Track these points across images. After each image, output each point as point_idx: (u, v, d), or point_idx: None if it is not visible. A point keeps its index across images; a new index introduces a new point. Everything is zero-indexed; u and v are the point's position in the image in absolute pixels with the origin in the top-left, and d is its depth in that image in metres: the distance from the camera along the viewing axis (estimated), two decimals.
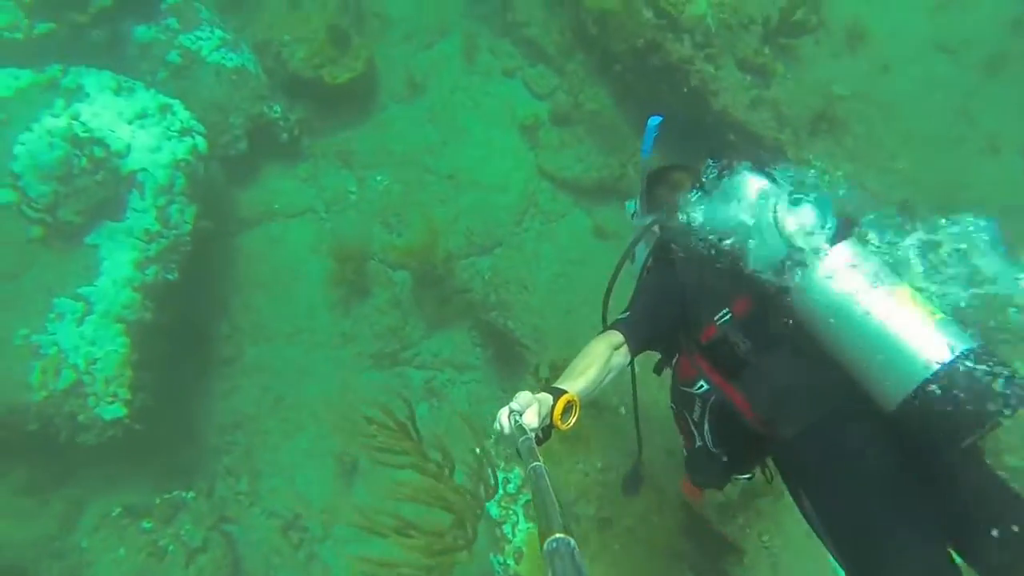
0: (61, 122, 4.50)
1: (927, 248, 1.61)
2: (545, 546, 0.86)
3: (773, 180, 1.84)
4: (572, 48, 5.83)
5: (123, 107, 4.82)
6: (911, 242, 1.64)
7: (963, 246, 1.58)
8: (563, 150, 5.77)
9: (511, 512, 3.98)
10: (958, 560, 1.59)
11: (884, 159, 4.78)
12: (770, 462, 1.97)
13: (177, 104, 5.05)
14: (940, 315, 1.54)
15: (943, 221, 1.62)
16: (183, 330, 5.14)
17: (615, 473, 3.79)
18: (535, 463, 1.17)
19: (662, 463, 3.62)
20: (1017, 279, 1.52)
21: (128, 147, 4.68)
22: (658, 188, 2.26)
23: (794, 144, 4.67)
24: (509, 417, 1.46)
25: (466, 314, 5.49)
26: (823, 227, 1.69)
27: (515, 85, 6.18)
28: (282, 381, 5.44)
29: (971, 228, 1.58)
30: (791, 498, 1.80)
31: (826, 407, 1.68)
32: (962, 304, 1.55)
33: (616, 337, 1.86)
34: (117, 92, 4.87)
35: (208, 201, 5.18)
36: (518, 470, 3.99)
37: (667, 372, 2.18)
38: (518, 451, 1.36)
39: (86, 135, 4.52)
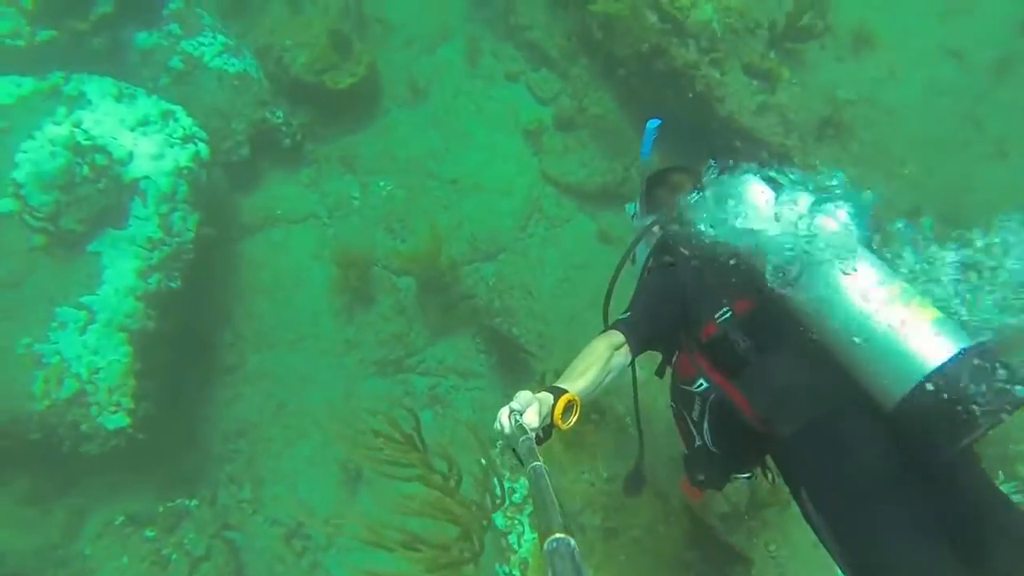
0: (63, 130, 4.49)
1: (960, 268, 1.56)
2: (545, 546, 0.86)
3: (775, 181, 1.84)
4: (576, 52, 5.79)
5: (125, 114, 4.80)
6: (942, 259, 1.59)
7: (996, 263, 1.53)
8: (567, 155, 5.74)
9: (517, 522, 3.96)
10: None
11: (891, 164, 4.75)
12: (770, 462, 1.96)
13: (179, 110, 5.03)
14: (939, 313, 1.53)
15: (976, 234, 1.57)
16: (185, 337, 5.13)
17: (621, 483, 3.77)
18: (535, 463, 1.16)
19: (667, 474, 3.60)
20: None
21: (130, 154, 4.66)
22: (657, 189, 2.28)
23: (800, 150, 4.64)
24: (509, 417, 1.45)
25: (470, 320, 5.46)
26: (824, 229, 1.69)
27: (518, 89, 6.15)
28: (285, 388, 5.42)
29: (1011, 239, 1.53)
30: (792, 498, 1.78)
31: (826, 406, 1.67)
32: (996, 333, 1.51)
33: (617, 337, 1.86)
34: (119, 99, 4.85)
35: (210, 208, 5.17)
36: (524, 480, 3.96)
37: (667, 372, 2.18)
38: (515, 451, 1.36)
39: (88, 143, 4.50)
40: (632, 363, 1.95)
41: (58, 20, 5.03)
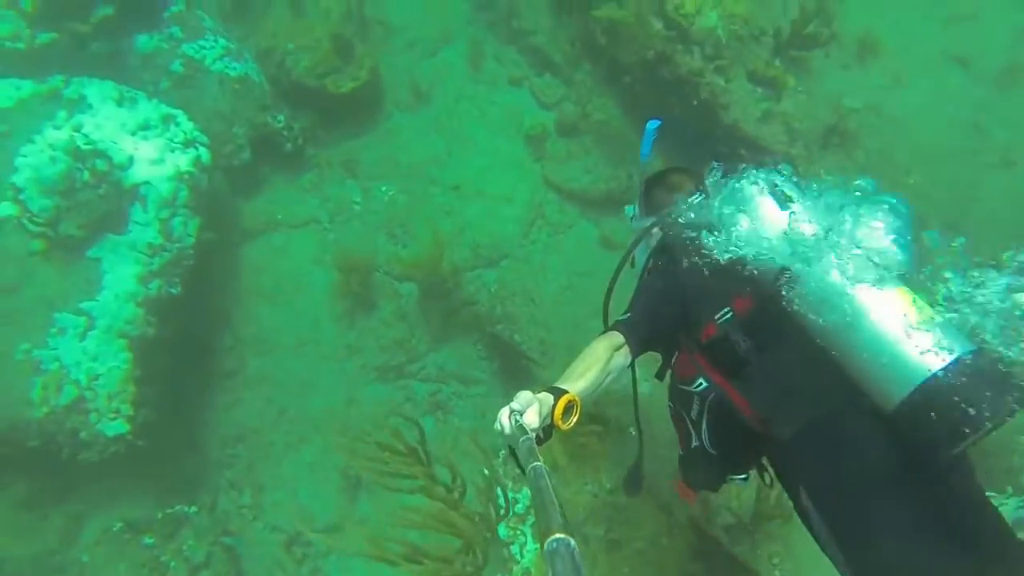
0: (63, 134, 4.45)
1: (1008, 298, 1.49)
2: (545, 546, 0.86)
3: (777, 184, 1.85)
4: (580, 58, 5.77)
5: (126, 118, 4.77)
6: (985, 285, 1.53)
7: None
8: (570, 161, 5.72)
9: (519, 532, 3.93)
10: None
11: (896, 173, 4.73)
12: (767, 464, 1.97)
13: (180, 115, 5.00)
14: (940, 317, 1.54)
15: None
16: (185, 342, 5.09)
17: (624, 491, 3.76)
18: (535, 463, 1.17)
19: (671, 486, 3.58)
20: None
21: (131, 159, 4.63)
22: (656, 190, 2.29)
23: (805, 158, 4.62)
24: (510, 417, 1.46)
25: (472, 327, 5.44)
26: (826, 232, 1.69)
27: (522, 94, 6.12)
28: (286, 393, 5.38)
29: None
30: (791, 500, 1.79)
31: (825, 406, 1.67)
32: None
33: (617, 338, 1.87)
34: (119, 103, 4.82)
35: (211, 212, 5.13)
36: (526, 490, 3.94)
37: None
38: (514, 452, 1.35)
39: (88, 147, 4.47)
40: (632, 364, 1.96)
41: (58, 23, 4.99)
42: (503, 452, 3.94)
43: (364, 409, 5.28)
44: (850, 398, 1.62)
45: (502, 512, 3.46)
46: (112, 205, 4.47)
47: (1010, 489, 3.35)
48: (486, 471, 3.58)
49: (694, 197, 2.00)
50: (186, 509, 4.98)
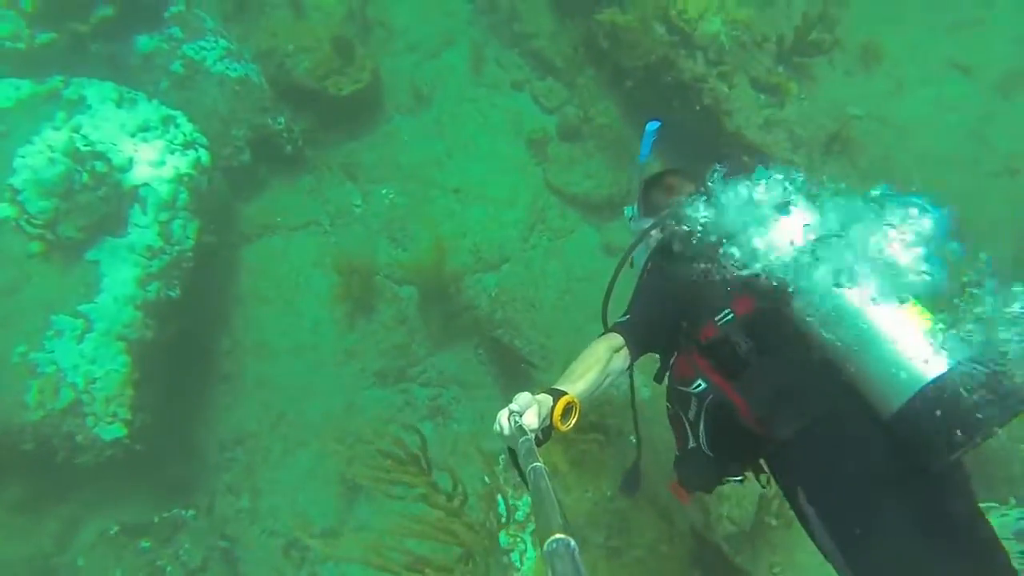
0: (62, 136, 4.42)
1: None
2: (545, 547, 0.85)
3: (779, 185, 1.84)
4: (582, 62, 5.75)
5: (125, 119, 4.74)
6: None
7: None
8: (572, 165, 5.70)
9: (519, 540, 3.91)
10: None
11: (898, 181, 4.72)
12: (764, 465, 1.95)
13: (180, 116, 4.96)
14: (939, 325, 1.54)
15: None
16: (184, 345, 5.06)
17: (625, 502, 3.74)
18: (535, 463, 1.17)
19: (671, 495, 3.55)
20: None
21: (130, 161, 4.60)
22: (654, 191, 2.28)
23: (808, 166, 4.60)
24: (509, 418, 1.47)
25: (472, 331, 5.41)
26: (827, 234, 1.69)
27: (523, 98, 6.11)
28: (284, 397, 5.35)
29: None
30: (788, 501, 1.78)
31: (825, 409, 1.67)
32: None
33: (616, 340, 1.87)
34: (119, 104, 4.79)
35: (211, 215, 5.10)
36: (527, 498, 3.92)
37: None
38: (512, 453, 1.36)
39: (87, 149, 4.43)
40: (631, 365, 1.96)
41: (58, 22, 4.96)
42: (503, 458, 3.92)
43: (363, 413, 5.26)
44: (850, 401, 1.62)
45: (503, 520, 3.43)
46: (111, 207, 4.44)
47: (1013, 500, 3.34)
48: (487, 479, 3.56)
49: (694, 199, 1.98)
50: (183, 513, 4.94)
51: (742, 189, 1.86)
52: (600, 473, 3.86)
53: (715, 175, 1.94)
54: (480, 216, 5.65)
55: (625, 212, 2.48)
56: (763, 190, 1.84)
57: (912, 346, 1.51)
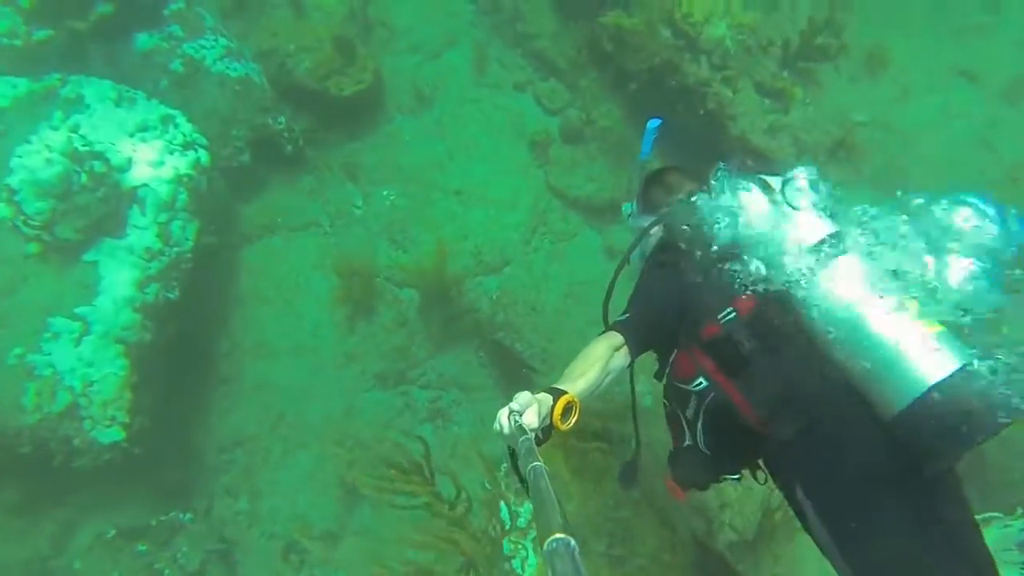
0: (60, 136, 4.36)
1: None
2: (545, 546, 0.85)
3: (779, 187, 1.83)
4: (585, 64, 5.71)
5: (124, 119, 4.68)
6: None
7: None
8: (574, 168, 5.67)
9: (520, 547, 3.89)
10: None
11: (903, 188, 4.70)
12: (762, 464, 1.95)
13: (179, 116, 4.91)
14: (941, 328, 1.54)
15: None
16: (182, 347, 5.02)
17: (627, 510, 3.73)
18: (535, 463, 1.17)
19: (673, 503, 3.55)
20: None
21: (129, 161, 4.55)
22: (653, 189, 2.27)
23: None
24: (509, 417, 1.47)
25: (473, 334, 5.39)
26: (829, 236, 1.69)
27: (526, 99, 6.07)
28: (284, 399, 5.32)
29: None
30: (786, 501, 1.78)
31: (826, 408, 1.67)
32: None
33: (616, 338, 1.86)
34: (118, 103, 4.73)
35: (210, 215, 5.05)
36: (529, 504, 3.90)
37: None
38: (511, 456, 1.36)
39: (86, 149, 4.38)
40: (631, 363, 1.95)
41: (56, 19, 4.90)
42: (505, 465, 3.90)
43: (363, 416, 5.23)
44: (851, 401, 1.62)
45: (506, 527, 3.42)
46: (110, 208, 4.39)
47: (1020, 510, 3.33)
48: (488, 485, 3.54)
49: (696, 197, 1.97)
50: (181, 516, 4.91)
51: (745, 188, 1.85)
52: (602, 481, 3.84)
53: (719, 173, 1.93)
54: (481, 218, 5.61)
55: (623, 209, 2.47)
56: (767, 190, 1.84)
57: (915, 350, 1.51)
